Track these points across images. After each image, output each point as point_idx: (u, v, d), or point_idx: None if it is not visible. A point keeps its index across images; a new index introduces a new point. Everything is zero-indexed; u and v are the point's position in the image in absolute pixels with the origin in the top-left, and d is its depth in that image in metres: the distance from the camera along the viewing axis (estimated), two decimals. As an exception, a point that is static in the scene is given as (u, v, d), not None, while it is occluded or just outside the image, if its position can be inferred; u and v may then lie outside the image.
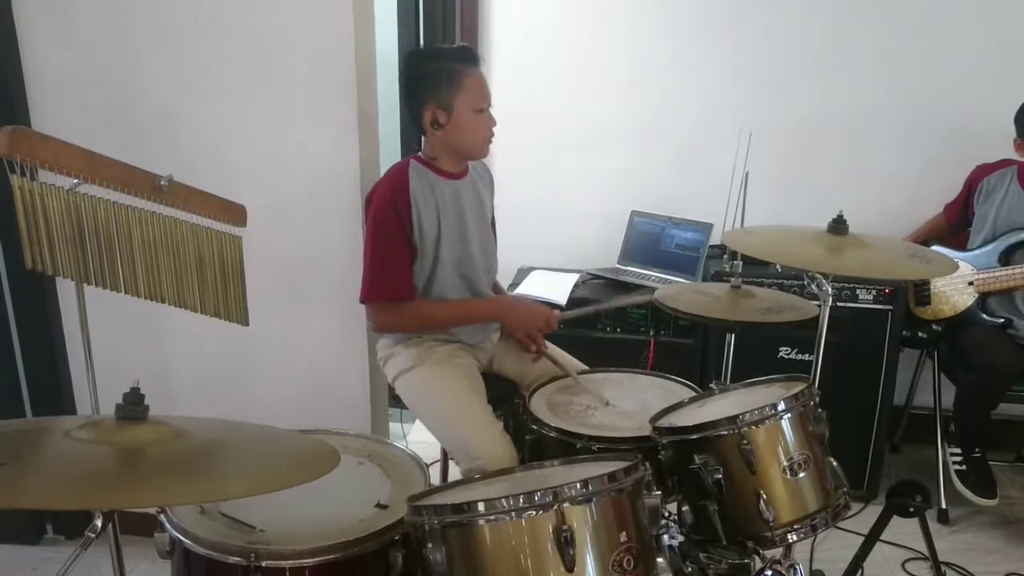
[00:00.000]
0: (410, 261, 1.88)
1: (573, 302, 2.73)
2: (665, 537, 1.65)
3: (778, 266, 1.99)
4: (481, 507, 1.22)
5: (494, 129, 1.92)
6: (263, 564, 1.26)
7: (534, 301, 2.08)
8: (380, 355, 2.05)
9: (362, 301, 1.90)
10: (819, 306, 1.89)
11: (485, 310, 2.02)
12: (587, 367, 2.09)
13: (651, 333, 2.73)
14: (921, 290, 2.70)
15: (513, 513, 1.21)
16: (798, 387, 1.61)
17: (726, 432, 1.51)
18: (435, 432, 1.90)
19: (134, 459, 1.09)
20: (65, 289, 2.22)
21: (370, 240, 1.87)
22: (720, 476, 1.50)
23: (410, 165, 1.90)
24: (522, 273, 3.01)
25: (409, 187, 1.86)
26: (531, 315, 1.97)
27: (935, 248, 2.75)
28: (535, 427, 1.76)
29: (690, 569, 1.59)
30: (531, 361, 2.02)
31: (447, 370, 1.93)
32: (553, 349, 2.07)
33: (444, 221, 1.90)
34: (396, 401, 2.11)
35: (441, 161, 1.93)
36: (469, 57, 1.89)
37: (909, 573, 2.35)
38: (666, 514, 1.64)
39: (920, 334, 2.71)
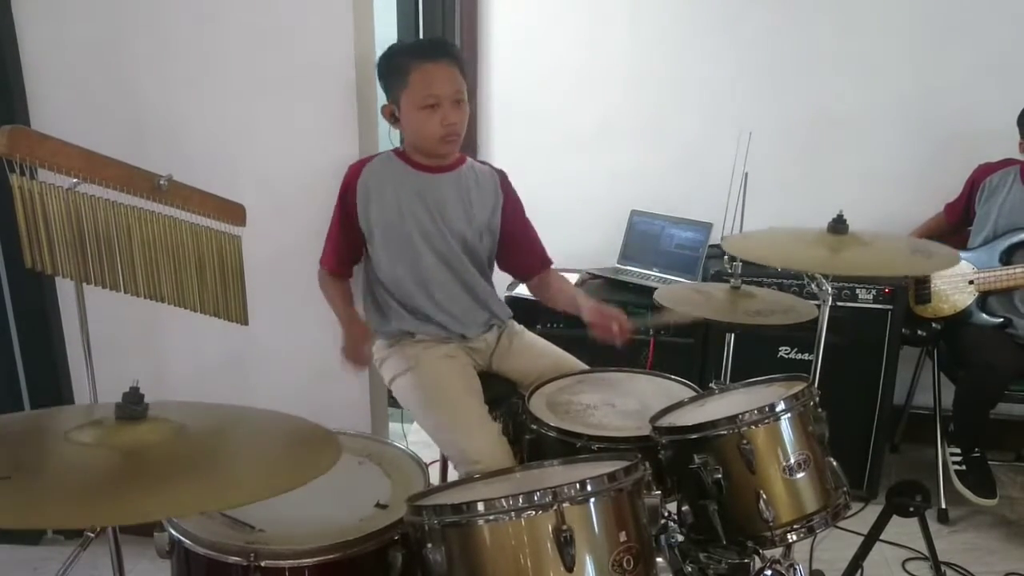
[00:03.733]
0: (344, 240, 2.01)
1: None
2: (665, 537, 1.65)
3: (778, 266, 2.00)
4: (481, 507, 1.21)
5: (457, 127, 1.87)
6: (263, 564, 1.26)
7: (344, 338, 1.97)
8: (376, 357, 2.05)
9: None
10: (819, 306, 1.89)
11: (337, 312, 2.06)
12: (587, 367, 2.08)
13: (651, 333, 2.73)
14: (921, 288, 2.70)
15: (513, 513, 1.21)
16: (798, 387, 1.61)
17: (726, 432, 1.51)
18: (432, 436, 1.90)
19: (137, 466, 1.08)
20: (65, 289, 2.22)
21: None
22: (720, 476, 1.49)
23: (379, 156, 1.98)
24: (522, 273, 3.01)
25: (359, 179, 1.94)
26: (346, 341, 1.96)
27: (935, 247, 2.76)
28: (535, 427, 1.76)
29: (690, 569, 1.59)
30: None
31: (441, 373, 1.93)
32: (555, 350, 2.08)
33: (409, 211, 1.93)
34: (396, 401, 2.11)
35: (412, 154, 1.96)
36: (423, 51, 1.87)
37: (909, 573, 2.35)
38: (666, 514, 1.64)
39: (920, 332, 2.71)
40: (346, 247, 2.02)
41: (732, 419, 1.50)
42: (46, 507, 0.98)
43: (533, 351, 2.10)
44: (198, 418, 1.22)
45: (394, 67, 1.88)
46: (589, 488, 1.23)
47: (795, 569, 1.75)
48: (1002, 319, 2.58)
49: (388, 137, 2.17)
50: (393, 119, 1.93)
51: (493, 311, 2.09)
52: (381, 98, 2.22)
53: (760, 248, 1.86)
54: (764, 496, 1.49)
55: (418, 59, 1.84)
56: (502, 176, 2.09)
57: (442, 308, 1.99)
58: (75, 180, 1.50)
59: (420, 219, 1.93)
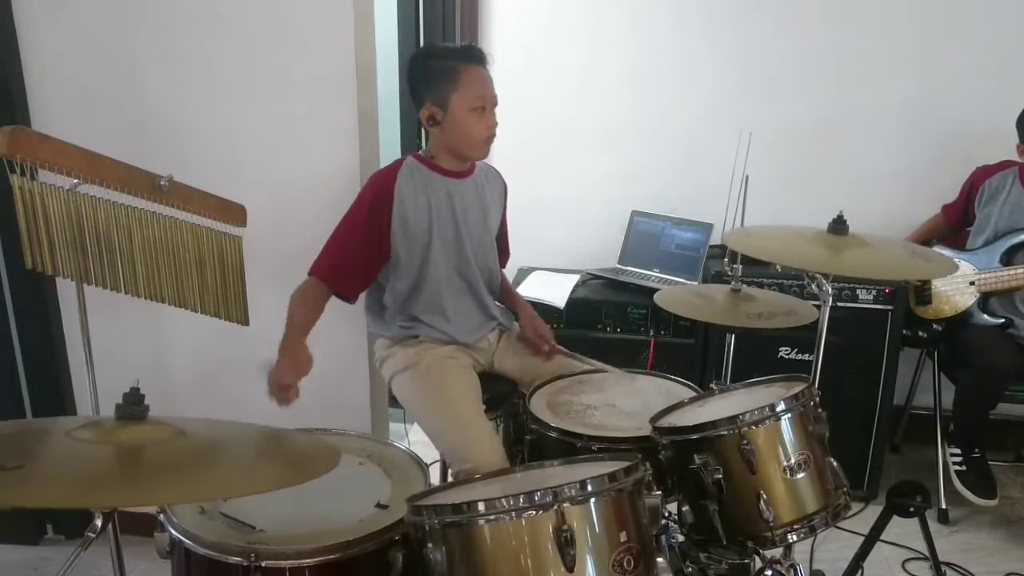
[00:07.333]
0: (359, 258, 1.87)
1: (573, 302, 2.73)
2: (665, 537, 1.65)
3: (778, 266, 2.00)
4: (481, 507, 1.22)
5: (495, 130, 1.90)
6: (263, 564, 1.26)
7: (276, 366, 1.67)
8: (377, 356, 2.05)
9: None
10: (819, 306, 1.89)
11: (287, 336, 1.75)
12: (591, 367, 2.08)
13: (651, 333, 2.73)
14: (922, 290, 2.70)
15: (513, 513, 1.21)
16: (798, 387, 1.61)
17: (726, 432, 1.51)
18: (428, 434, 1.90)
19: (135, 458, 1.10)
20: (65, 289, 2.22)
21: (341, 221, 1.89)
22: (720, 476, 1.49)
23: (405, 162, 1.92)
24: (522, 273, 3.01)
25: (395, 186, 1.86)
26: (282, 372, 1.65)
27: (936, 248, 2.76)
28: (535, 427, 1.76)
29: (690, 569, 1.59)
30: None
31: (441, 372, 1.93)
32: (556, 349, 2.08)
33: (436, 218, 1.91)
34: (396, 401, 2.11)
35: (440, 159, 1.94)
36: (471, 55, 1.88)
37: (909, 573, 2.35)
38: (666, 514, 1.64)
39: (921, 333, 2.71)
40: (362, 262, 1.89)
41: (732, 419, 1.50)
42: (41, 489, 0.99)
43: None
44: (199, 426, 1.23)
45: (441, 69, 1.84)
46: (589, 488, 1.23)
47: (795, 569, 1.75)
48: (1003, 320, 2.58)
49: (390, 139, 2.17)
50: (432, 122, 1.86)
51: (499, 320, 2.11)
52: (382, 99, 2.23)
53: (761, 244, 1.86)
54: (764, 496, 1.49)
55: (466, 61, 1.85)
56: (502, 179, 2.12)
57: (449, 318, 1.99)
58: (76, 181, 1.50)
59: (444, 226, 1.92)
